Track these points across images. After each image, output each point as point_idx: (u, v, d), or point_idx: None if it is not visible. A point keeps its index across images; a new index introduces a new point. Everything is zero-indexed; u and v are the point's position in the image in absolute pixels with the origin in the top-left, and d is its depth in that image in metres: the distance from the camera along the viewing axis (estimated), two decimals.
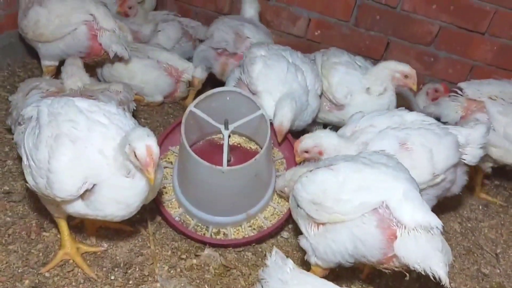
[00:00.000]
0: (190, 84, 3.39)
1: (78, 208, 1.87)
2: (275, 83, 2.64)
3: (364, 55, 3.94)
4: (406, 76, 2.85)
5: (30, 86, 2.51)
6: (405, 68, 2.85)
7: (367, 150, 2.25)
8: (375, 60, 3.95)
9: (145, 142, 1.74)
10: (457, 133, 2.39)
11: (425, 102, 3.66)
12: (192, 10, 4.12)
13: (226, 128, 2.28)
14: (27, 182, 1.92)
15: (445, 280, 1.73)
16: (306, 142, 2.41)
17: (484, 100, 2.90)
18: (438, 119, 2.87)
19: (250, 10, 3.57)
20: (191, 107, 2.29)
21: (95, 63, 3.17)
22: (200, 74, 3.32)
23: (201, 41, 3.83)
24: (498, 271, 2.60)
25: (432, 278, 1.75)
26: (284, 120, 2.48)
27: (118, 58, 3.05)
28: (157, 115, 3.23)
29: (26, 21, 2.90)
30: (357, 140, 2.38)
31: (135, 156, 1.74)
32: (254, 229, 2.39)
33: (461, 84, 3.05)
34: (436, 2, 3.66)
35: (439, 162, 2.29)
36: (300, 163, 2.46)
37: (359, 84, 2.90)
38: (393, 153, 2.20)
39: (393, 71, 2.86)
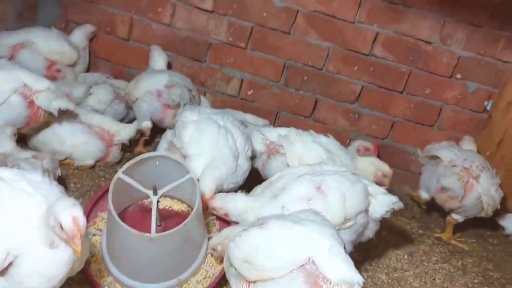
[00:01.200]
0: (141, 134, 3.56)
1: None
2: (206, 146, 2.74)
3: (294, 112, 4.18)
4: (385, 176, 3.14)
5: None
6: (386, 168, 3.17)
7: (284, 196, 2.44)
8: (305, 117, 4.18)
9: (71, 213, 1.72)
10: (368, 184, 2.62)
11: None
12: (125, 71, 4.19)
13: (155, 193, 2.31)
14: None
15: None
16: (216, 202, 2.58)
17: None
18: None
19: (160, 62, 3.82)
20: (119, 174, 2.30)
21: (33, 131, 3.10)
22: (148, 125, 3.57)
23: None
24: None
25: None
26: (206, 190, 2.59)
27: (63, 114, 3.01)
28: (87, 179, 3.18)
29: None
30: (274, 186, 2.54)
31: (61, 227, 1.72)
32: None
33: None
34: (357, 63, 3.98)
35: (351, 207, 2.48)
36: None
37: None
38: (310, 195, 2.41)
39: (377, 169, 3.15)
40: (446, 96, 3.98)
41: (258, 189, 2.70)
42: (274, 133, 3.22)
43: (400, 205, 2.67)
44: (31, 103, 2.90)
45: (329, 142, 3.22)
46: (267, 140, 3.21)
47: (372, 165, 3.17)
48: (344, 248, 2.10)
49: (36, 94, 2.90)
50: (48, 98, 2.91)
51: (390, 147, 4.20)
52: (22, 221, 1.78)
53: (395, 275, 3.04)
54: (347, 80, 4.04)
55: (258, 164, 3.22)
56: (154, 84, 3.53)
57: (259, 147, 3.19)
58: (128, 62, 4.16)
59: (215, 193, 2.64)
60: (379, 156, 4.04)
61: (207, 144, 2.74)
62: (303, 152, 3.03)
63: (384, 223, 3.29)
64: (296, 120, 4.20)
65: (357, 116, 4.14)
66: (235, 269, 2.10)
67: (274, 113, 4.21)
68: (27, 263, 1.77)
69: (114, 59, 4.16)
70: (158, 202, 2.30)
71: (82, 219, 1.75)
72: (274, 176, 2.69)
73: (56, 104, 2.92)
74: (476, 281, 3.18)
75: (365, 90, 4.06)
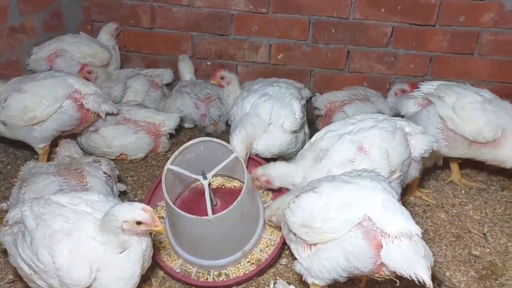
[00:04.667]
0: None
1: None
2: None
3: (328, 67, 4.14)
4: None
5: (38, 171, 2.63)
6: None
7: (328, 160, 2.49)
8: (340, 70, 4.13)
9: (138, 208, 1.91)
10: (405, 125, 2.63)
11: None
12: (158, 59, 4.29)
13: (205, 178, 2.41)
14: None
15: (429, 283, 1.85)
16: (257, 171, 2.68)
17: None
18: None
19: (186, 74, 4.04)
20: (168, 165, 2.42)
21: (82, 132, 3.30)
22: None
23: (167, 85, 4.00)
24: (488, 250, 2.72)
25: (417, 282, 1.87)
26: (237, 150, 2.68)
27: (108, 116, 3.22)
28: (142, 170, 3.35)
29: (11, 110, 2.93)
30: (316, 148, 2.60)
31: (137, 224, 1.89)
32: (253, 263, 2.51)
33: None
34: (384, 5, 3.85)
35: (395, 159, 2.50)
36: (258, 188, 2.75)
37: (508, 118, 2.87)
38: (353, 157, 2.46)
39: None
40: (483, 19, 3.79)
41: (302, 151, 2.75)
42: (427, 86, 3.18)
43: (438, 145, 2.64)
44: (81, 106, 3.09)
45: (489, 92, 3.03)
46: (420, 98, 3.15)
47: None
48: (399, 200, 2.13)
49: (85, 98, 3.09)
50: (97, 101, 3.13)
51: None
52: (91, 238, 1.94)
53: (454, 211, 3.04)
54: (376, 24, 3.93)
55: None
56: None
57: (413, 109, 3.14)
58: (158, 49, 4.25)
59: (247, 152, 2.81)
60: None
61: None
62: (456, 100, 2.92)
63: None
64: (331, 75, 4.17)
65: (392, 58, 4.05)
66: (294, 235, 2.18)
67: (308, 72, 4.19)
68: (107, 273, 1.93)
69: (144, 49, 4.27)
70: (209, 184, 2.40)
71: (149, 207, 1.92)
72: (314, 137, 2.74)
73: (104, 107, 3.14)
74: None
75: (396, 31, 3.94)
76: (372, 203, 2.02)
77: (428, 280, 1.85)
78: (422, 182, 3.25)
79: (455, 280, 2.52)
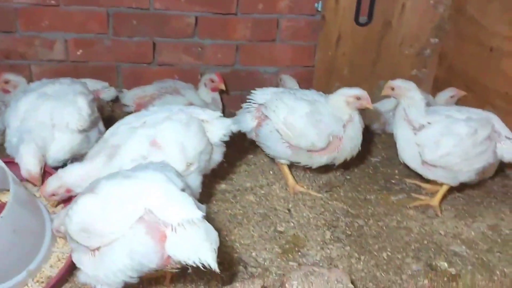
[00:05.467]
0: None
1: None
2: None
3: (135, 62, 3.95)
4: (358, 98, 2.90)
5: None
6: (355, 92, 2.92)
7: (119, 158, 2.33)
8: (148, 64, 3.97)
9: None
10: (200, 112, 2.59)
11: (207, 93, 3.80)
12: None
13: None
14: None
15: (214, 266, 1.80)
16: (50, 185, 2.37)
17: None
18: None
19: None
20: None
21: None
22: None
23: None
24: (292, 224, 2.83)
25: (202, 268, 1.80)
26: (30, 169, 2.41)
27: None
28: None
29: None
30: (108, 144, 2.42)
31: None
32: (42, 282, 2.22)
33: None
34: None
35: (191, 152, 2.44)
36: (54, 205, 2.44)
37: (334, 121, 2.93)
38: (146, 152, 2.33)
39: (346, 97, 2.90)
40: (279, 6, 3.97)
41: (94, 148, 2.54)
42: (261, 95, 3.09)
43: (236, 127, 2.67)
44: None
45: (313, 93, 3.08)
46: (256, 111, 3.05)
47: (340, 96, 2.94)
48: (187, 187, 2.05)
49: None
50: None
51: (242, 71, 4.17)
52: None
53: (262, 191, 3.11)
54: (178, 14, 3.86)
55: (252, 134, 3.08)
56: None
57: (251, 124, 3.04)
58: None
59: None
60: (232, 84, 4.06)
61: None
62: (287, 115, 2.89)
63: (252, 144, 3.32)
64: (139, 69, 3.99)
65: (200, 49, 4.02)
66: (77, 242, 1.97)
67: (114, 68, 3.94)
68: None
69: None
70: None
71: None
72: (107, 132, 2.55)
73: None
74: (338, 173, 3.37)
75: (200, 21, 3.92)
76: (152, 195, 1.90)
77: (213, 263, 1.79)
78: (233, 167, 3.28)
79: (261, 259, 2.56)
